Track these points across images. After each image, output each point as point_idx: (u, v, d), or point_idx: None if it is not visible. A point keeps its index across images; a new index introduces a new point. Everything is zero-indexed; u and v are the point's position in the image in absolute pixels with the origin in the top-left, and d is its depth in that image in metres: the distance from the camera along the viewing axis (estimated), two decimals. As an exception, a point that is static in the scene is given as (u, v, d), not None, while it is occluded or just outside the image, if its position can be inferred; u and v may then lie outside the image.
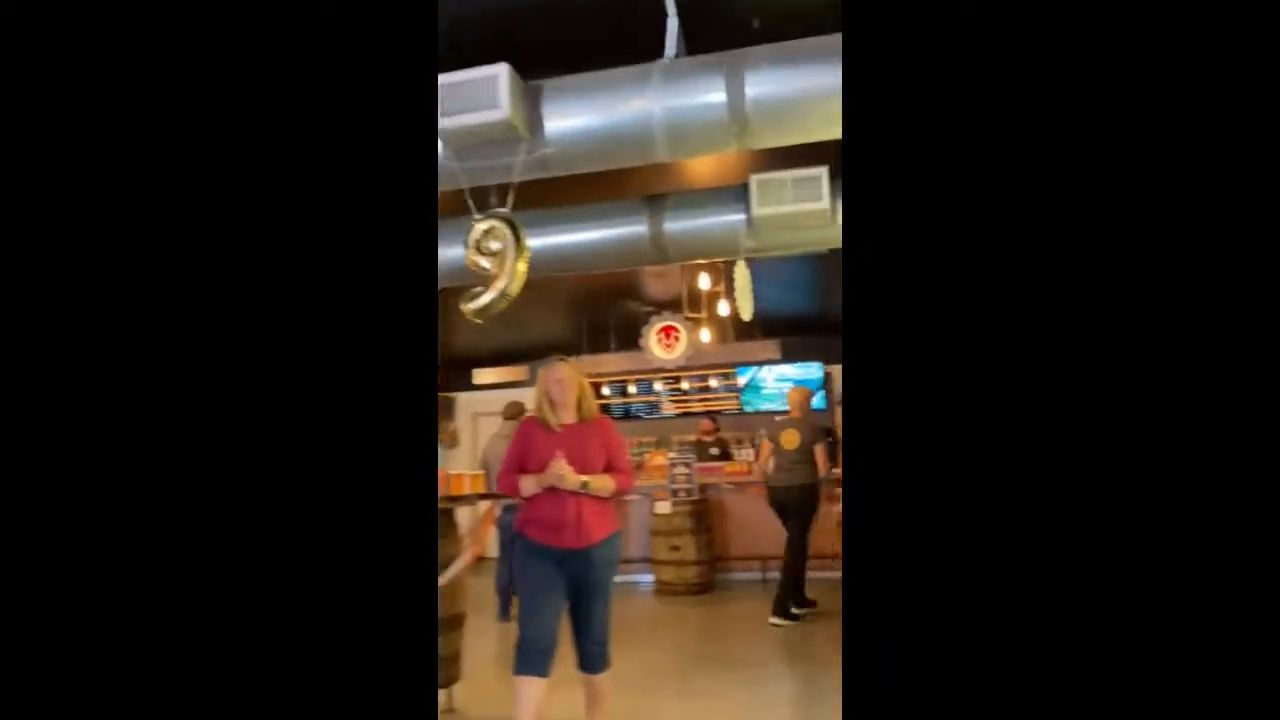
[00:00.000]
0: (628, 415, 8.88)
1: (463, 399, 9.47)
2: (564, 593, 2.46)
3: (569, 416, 2.61)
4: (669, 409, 8.79)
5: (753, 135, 2.45)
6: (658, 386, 7.88)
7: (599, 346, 7.55)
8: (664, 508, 6.29)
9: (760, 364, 7.69)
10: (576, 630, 2.52)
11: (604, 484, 2.51)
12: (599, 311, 7.11)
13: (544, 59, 2.55)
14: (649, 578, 6.39)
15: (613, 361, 7.37)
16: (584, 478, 2.43)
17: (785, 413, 5.75)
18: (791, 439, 5.05)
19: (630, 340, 7.16)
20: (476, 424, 9.62)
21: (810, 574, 5.06)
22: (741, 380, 8.37)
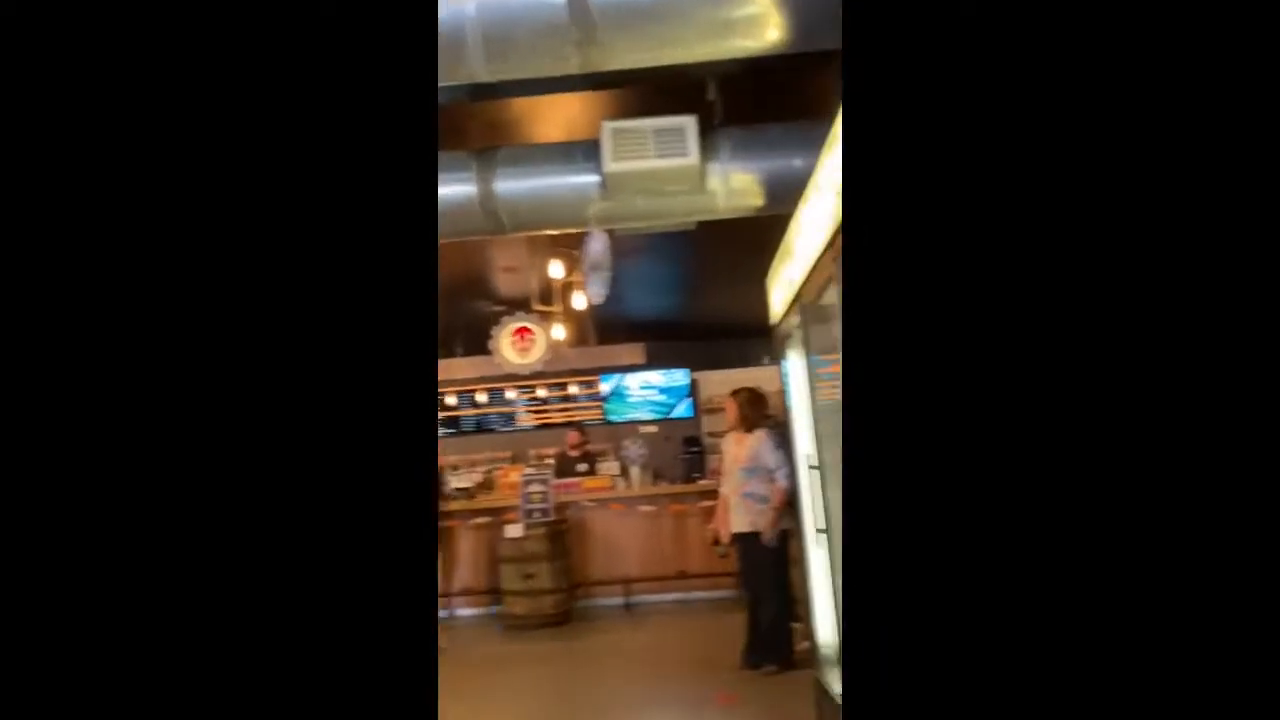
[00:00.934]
0: (480, 428, 8.08)
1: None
2: None
3: None
4: (527, 420, 8.09)
5: (601, 47, 1.87)
6: (511, 395, 7.15)
7: (443, 350, 6.73)
8: (515, 531, 5.57)
9: (624, 370, 7.16)
10: None
11: None
12: (443, 310, 6.32)
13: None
14: (494, 610, 5.65)
15: (460, 367, 6.57)
16: None
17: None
18: None
19: (479, 344, 6.40)
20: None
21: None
22: (605, 388, 7.81)
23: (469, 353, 6.57)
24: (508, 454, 7.78)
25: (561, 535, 5.65)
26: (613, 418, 7.90)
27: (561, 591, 5.51)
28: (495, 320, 6.36)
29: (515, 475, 6.11)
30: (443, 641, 4.91)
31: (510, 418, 8.07)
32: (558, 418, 7.87)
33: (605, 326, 6.61)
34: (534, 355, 6.36)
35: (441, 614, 6.07)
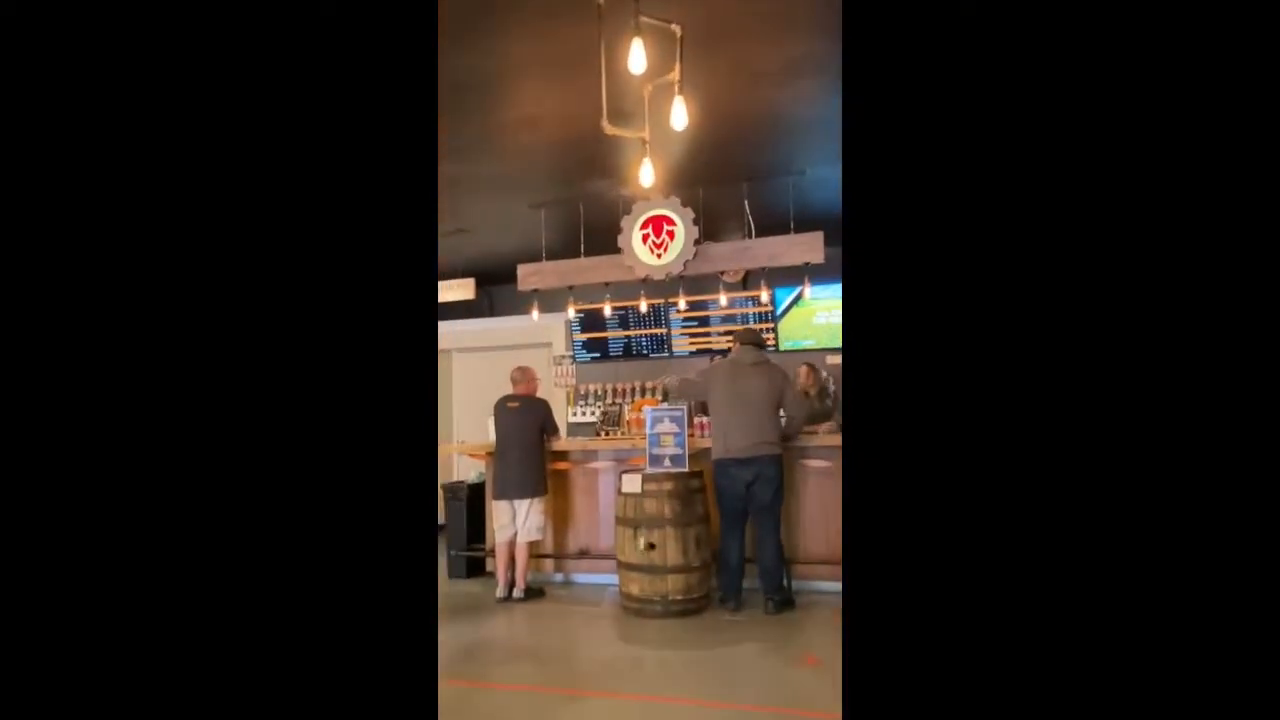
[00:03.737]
0: (629, 352, 6.71)
1: (428, 331, 7.51)
2: None
3: None
4: (682, 345, 6.58)
5: None
6: (643, 309, 5.61)
7: (563, 248, 5.34)
8: (631, 484, 4.14)
9: (799, 277, 5.31)
10: None
11: None
12: (560, 194, 4.90)
13: None
14: (615, 581, 4.31)
15: (590, 269, 5.15)
16: None
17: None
18: None
19: (607, 241, 4.94)
20: (446, 363, 7.68)
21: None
22: (777, 301, 6.05)
23: (593, 250, 5.14)
24: (658, 384, 6.36)
25: (696, 494, 4.14)
26: (788, 344, 6.15)
27: (694, 570, 4.03)
28: (625, 208, 4.86)
29: (645, 409, 4.64)
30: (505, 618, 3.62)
31: (662, 340, 6.61)
32: (720, 343, 6.28)
33: (766, 209, 4.84)
34: (673, 254, 4.79)
35: (555, 578, 4.89)
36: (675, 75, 2.24)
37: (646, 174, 2.65)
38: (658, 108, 2.61)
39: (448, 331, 7.42)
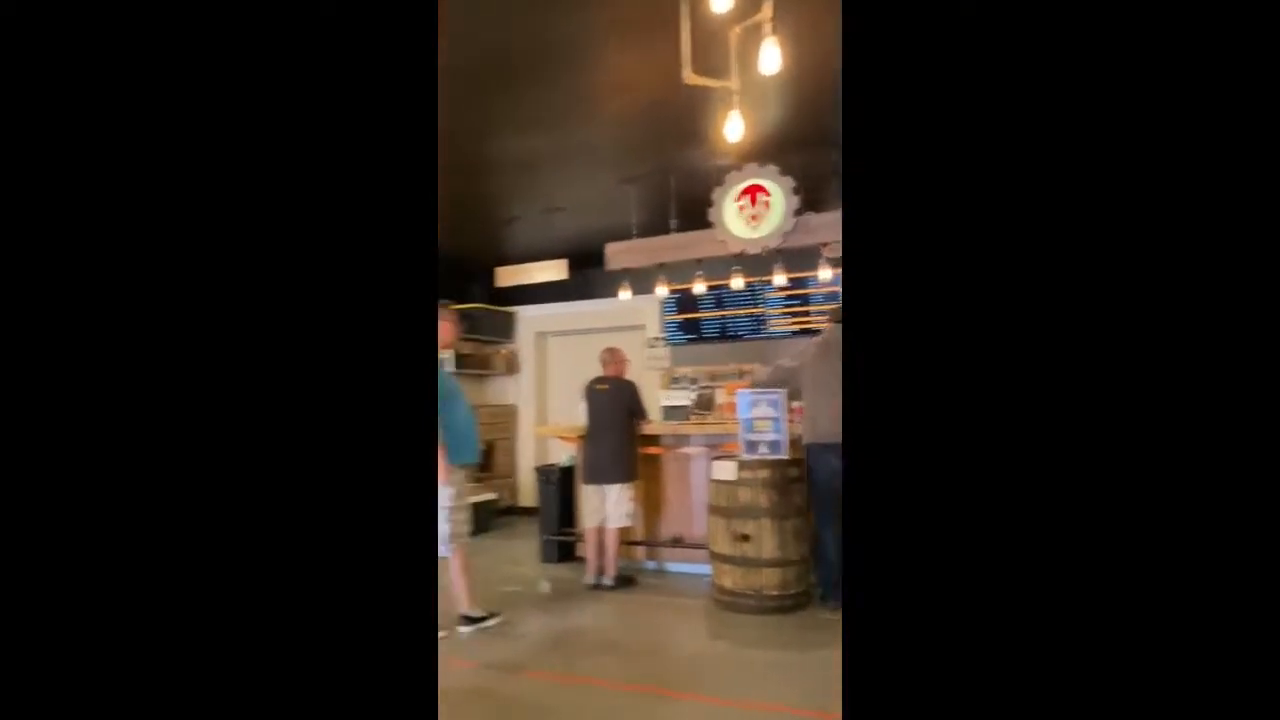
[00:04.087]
0: (724, 334, 6.45)
1: (524, 314, 7.51)
2: None
3: None
4: (780, 325, 6.26)
5: None
6: (737, 284, 5.31)
7: (653, 227, 5.12)
8: (724, 471, 3.91)
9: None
10: None
11: None
12: (649, 169, 4.68)
13: None
14: (708, 570, 4.10)
15: (681, 246, 4.92)
16: None
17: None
18: None
19: (697, 214, 4.69)
20: (542, 346, 7.66)
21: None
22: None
23: (687, 225, 4.90)
24: (751, 368, 6.08)
25: (795, 484, 3.86)
26: (896, 321, 5.70)
27: (792, 564, 3.77)
28: (718, 178, 4.59)
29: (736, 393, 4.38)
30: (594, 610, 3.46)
31: (759, 321, 6.31)
32: (820, 322, 5.91)
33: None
34: (769, 225, 4.48)
35: (647, 565, 4.73)
36: (767, 13, 1.97)
37: (734, 128, 2.39)
38: (745, 56, 2.35)
39: (542, 314, 7.39)
